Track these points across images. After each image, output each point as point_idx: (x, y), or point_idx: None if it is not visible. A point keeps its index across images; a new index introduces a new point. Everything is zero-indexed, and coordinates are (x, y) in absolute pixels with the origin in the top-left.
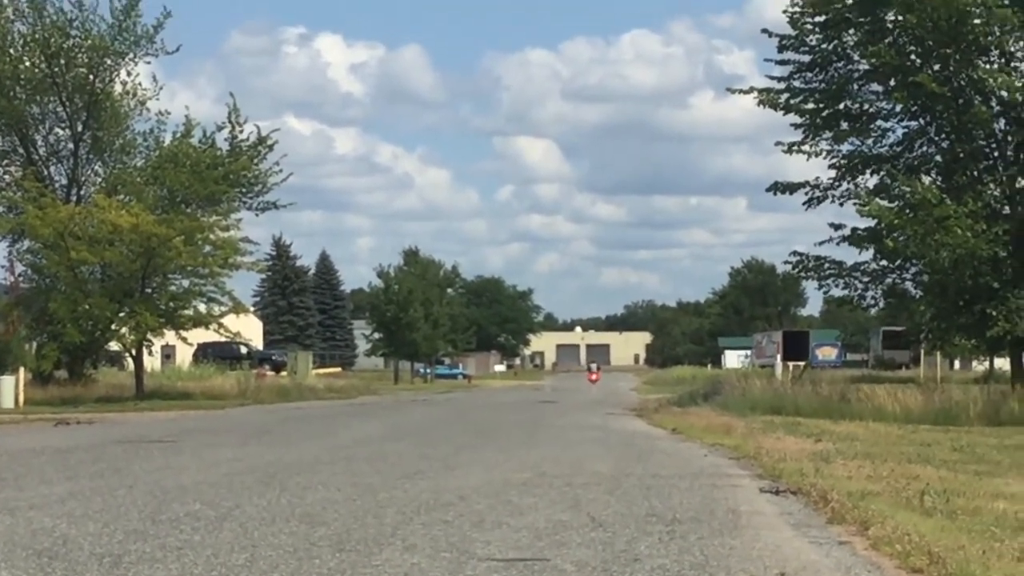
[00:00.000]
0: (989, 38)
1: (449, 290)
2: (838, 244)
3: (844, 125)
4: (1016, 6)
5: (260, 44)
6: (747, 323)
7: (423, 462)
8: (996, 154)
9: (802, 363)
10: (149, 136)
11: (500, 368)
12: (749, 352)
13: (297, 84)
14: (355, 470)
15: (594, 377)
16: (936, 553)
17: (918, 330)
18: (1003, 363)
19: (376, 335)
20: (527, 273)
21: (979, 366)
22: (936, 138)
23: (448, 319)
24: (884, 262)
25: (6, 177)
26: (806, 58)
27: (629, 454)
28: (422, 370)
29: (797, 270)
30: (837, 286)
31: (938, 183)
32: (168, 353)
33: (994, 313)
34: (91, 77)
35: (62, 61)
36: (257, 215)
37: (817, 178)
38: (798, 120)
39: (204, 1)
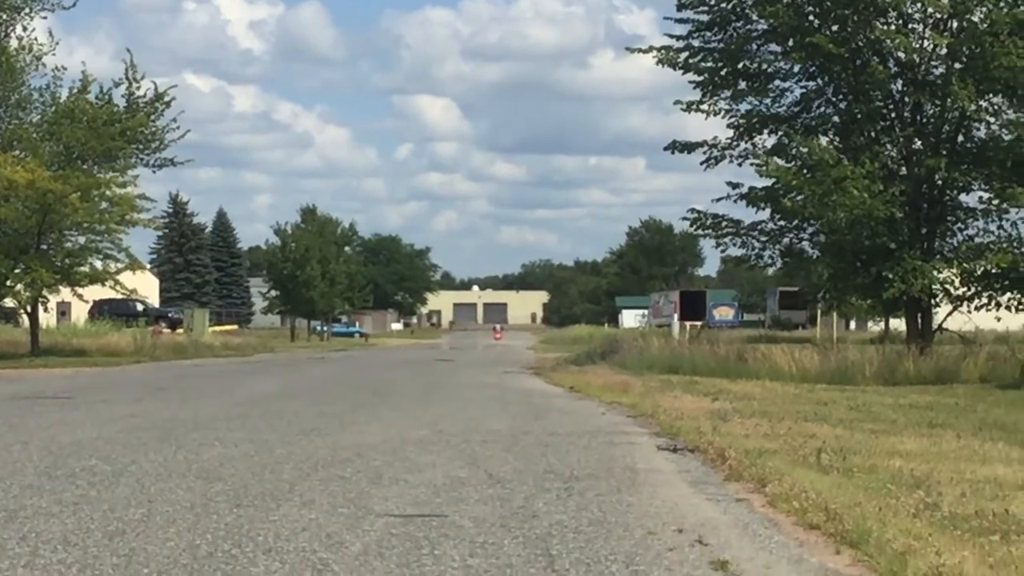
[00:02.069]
0: None
1: (346, 248)
2: (735, 202)
3: (742, 85)
4: None
5: (159, 0)
6: (644, 283)
7: (320, 419)
8: (893, 115)
9: (699, 323)
10: (45, 92)
11: (397, 327)
12: (646, 312)
13: (196, 41)
14: (252, 427)
15: (498, 336)
16: (833, 510)
17: (815, 290)
18: (898, 324)
19: (273, 293)
20: (425, 231)
21: (875, 327)
22: (834, 99)
23: (345, 277)
24: (782, 222)
25: None
26: (705, 17)
27: (526, 412)
28: (319, 328)
29: (695, 227)
30: (735, 245)
31: (835, 144)
32: (64, 310)
33: (890, 275)
34: None
35: None
36: (154, 172)
37: (715, 137)
38: (697, 79)
39: None
